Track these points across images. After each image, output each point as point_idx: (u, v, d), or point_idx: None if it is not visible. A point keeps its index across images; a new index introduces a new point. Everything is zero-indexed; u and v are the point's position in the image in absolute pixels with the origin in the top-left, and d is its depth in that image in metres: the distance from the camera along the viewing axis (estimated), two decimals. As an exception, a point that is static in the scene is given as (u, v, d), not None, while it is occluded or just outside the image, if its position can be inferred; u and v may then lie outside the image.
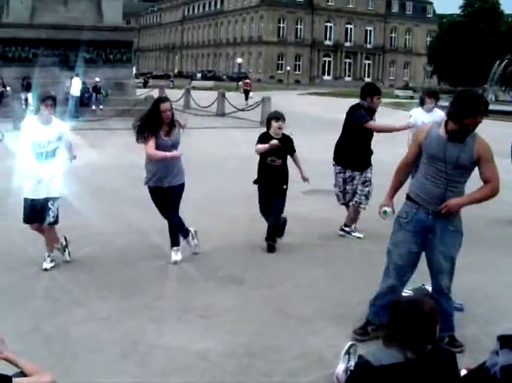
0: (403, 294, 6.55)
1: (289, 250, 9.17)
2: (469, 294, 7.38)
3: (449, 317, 6.03)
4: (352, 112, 9.63)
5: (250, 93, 48.15)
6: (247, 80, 52.53)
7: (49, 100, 7.90)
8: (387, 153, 12.57)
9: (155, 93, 35.92)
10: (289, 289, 7.67)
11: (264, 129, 9.27)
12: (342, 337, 5.85)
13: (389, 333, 3.90)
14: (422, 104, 11.54)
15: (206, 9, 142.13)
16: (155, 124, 8.23)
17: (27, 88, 28.94)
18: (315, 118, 32.98)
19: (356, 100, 9.99)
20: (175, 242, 8.56)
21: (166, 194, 8.41)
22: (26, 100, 26.71)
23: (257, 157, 9.21)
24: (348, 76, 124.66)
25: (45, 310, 6.76)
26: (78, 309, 6.84)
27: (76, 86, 31.00)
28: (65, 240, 8.42)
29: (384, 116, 13.57)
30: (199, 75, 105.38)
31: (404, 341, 3.77)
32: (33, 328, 6.32)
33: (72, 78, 31.11)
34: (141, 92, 39.41)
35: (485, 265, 8.80)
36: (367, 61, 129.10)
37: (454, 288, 7.36)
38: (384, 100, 43.37)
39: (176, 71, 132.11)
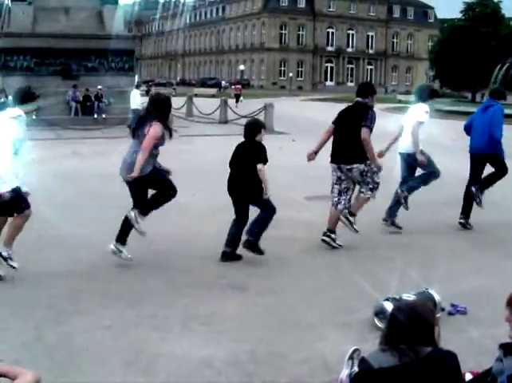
0: (406, 297, 6.54)
1: (292, 257, 9.15)
2: (472, 298, 7.37)
3: None
4: (367, 111, 9.48)
5: (241, 97, 54.47)
6: (238, 86, 60.07)
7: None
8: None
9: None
10: (292, 295, 7.65)
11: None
12: (346, 343, 5.82)
13: (385, 337, 3.91)
14: (431, 98, 10.99)
15: (208, 16, 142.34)
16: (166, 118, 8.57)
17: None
18: (318, 124, 32.91)
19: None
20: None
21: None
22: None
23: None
24: (351, 81, 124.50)
25: (49, 320, 6.75)
26: (82, 318, 6.83)
27: (136, 98, 30.41)
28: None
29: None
30: (225, 83, 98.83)
31: (397, 346, 3.77)
32: (37, 337, 6.31)
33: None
34: (143, 101, 39.35)
35: (488, 268, 8.78)
36: (369, 67, 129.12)
37: (457, 292, 7.38)
38: (385, 105, 43.29)
39: (179, 79, 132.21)
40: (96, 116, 31.88)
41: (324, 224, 9.85)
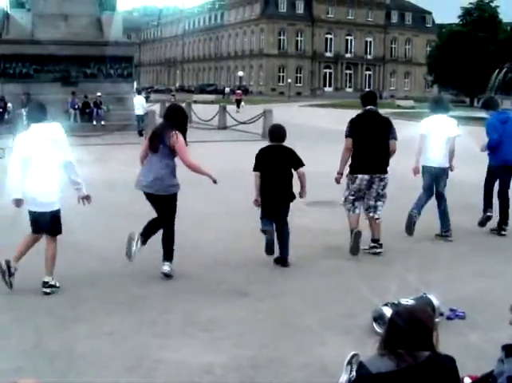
0: (405, 302, 6.57)
1: (293, 262, 9.15)
2: (471, 302, 7.39)
3: None
4: (391, 125, 9.63)
5: (242, 103, 56.28)
6: (239, 91, 62.90)
7: None
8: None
9: (157, 108, 35.98)
10: (293, 300, 7.67)
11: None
12: (346, 348, 5.83)
13: (383, 342, 3.91)
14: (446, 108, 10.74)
15: (207, 22, 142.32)
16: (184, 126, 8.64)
17: (28, 104, 28.89)
18: (317, 130, 32.98)
19: (357, 111, 9.95)
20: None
21: None
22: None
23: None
24: (349, 87, 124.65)
25: (49, 327, 6.77)
26: (82, 325, 6.84)
27: (139, 104, 30.72)
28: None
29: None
30: (228, 89, 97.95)
31: (395, 350, 3.78)
32: (37, 344, 6.32)
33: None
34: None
35: (488, 272, 8.80)
36: (367, 72, 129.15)
37: (456, 296, 7.40)
38: (386, 110, 43.37)
39: (177, 85, 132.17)
40: (95, 122, 31.92)
41: (324, 230, 9.88)
